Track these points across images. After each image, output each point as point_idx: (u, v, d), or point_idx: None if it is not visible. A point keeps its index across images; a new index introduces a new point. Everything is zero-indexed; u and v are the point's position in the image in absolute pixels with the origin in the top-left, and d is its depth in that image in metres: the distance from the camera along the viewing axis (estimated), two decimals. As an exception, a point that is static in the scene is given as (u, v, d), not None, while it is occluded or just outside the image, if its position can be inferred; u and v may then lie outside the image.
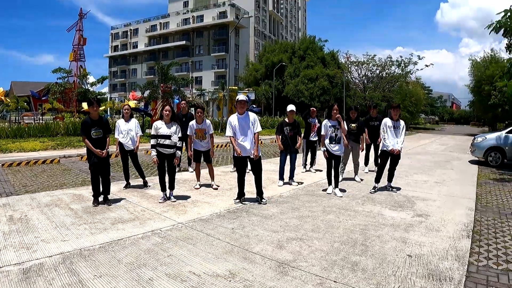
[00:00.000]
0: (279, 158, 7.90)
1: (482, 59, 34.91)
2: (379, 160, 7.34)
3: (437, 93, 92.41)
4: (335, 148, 6.57)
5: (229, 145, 15.95)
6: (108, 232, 4.40)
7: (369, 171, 9.29)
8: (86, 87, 32.50)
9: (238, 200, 5.98)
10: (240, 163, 5.96)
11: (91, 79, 33.56)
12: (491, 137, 11.76)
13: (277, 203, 6.01)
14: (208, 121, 7.02)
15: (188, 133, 6.93)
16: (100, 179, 5.72)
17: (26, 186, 7.03)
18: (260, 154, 5.92)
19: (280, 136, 7.57)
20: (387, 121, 6.87)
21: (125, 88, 71.55)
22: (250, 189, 6.24)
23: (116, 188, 6.82)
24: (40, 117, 28.11)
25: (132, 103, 18.77)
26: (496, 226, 5.01)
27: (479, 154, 11.92)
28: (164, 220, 4.98)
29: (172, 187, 6.11)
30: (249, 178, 6.22)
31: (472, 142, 12.60)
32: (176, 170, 6.85)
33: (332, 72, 42.28)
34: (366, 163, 9.63)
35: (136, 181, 7.43)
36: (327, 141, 6.60)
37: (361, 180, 8.19)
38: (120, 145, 6.91)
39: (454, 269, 3.51)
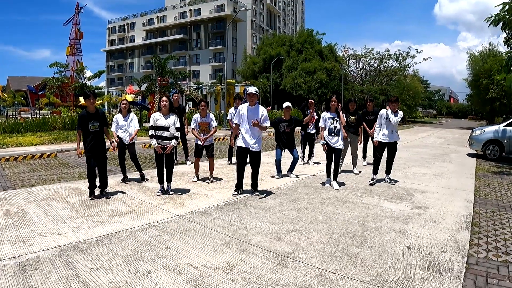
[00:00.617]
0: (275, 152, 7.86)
1: (480, 53, 34.97)
2: (375, 152, 7.32)
3: (435, 87, 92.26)
4: (333, 140, 6.53)
5: (226, 138, 15.88)
6: (105, 225, 4.37)
7: (367, 163, 9.28)
8: (83, 82, 32.22)
9: (236, 192, 5.97)
10: (240, 155, 5.93)
11: (88, 73, 33.29)
12: (489, 130, 11.75)
13: (276, 195, 5.99)
14: (212, 115, 7.03)
15: (192, 126, 6.92)
16: (97, 172, 5.69)
17: (23, 180, 6.97)
18: (260, 149, 5.89)
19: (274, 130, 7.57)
20: (383, 112, 6.88)
21: (122, 82, 71.07)
22: (248, 182, 6.21)
23: (114, 181, 6.78)
24: (37, 112, 27.97)
25: (130, 97, 18.66)
26: (495, 218, 5.01)
27: (477, 147, 11.92)
28: (162, 212, 4.95)
29: (169, 180, 6.09)
30: (248, 170, 6.18)
31: (470, 135, 12.60)
32: (174, 163, 6.80)
33: (330, 66, 42.00)
34: (364, 155, 9.62)
35: (134, 174, 7.38)
36: (326, 133, 6.56)
37: (360, 172, 8.18)
38: (119, 139, 6.87)
39: (454, 261, 3.50)
